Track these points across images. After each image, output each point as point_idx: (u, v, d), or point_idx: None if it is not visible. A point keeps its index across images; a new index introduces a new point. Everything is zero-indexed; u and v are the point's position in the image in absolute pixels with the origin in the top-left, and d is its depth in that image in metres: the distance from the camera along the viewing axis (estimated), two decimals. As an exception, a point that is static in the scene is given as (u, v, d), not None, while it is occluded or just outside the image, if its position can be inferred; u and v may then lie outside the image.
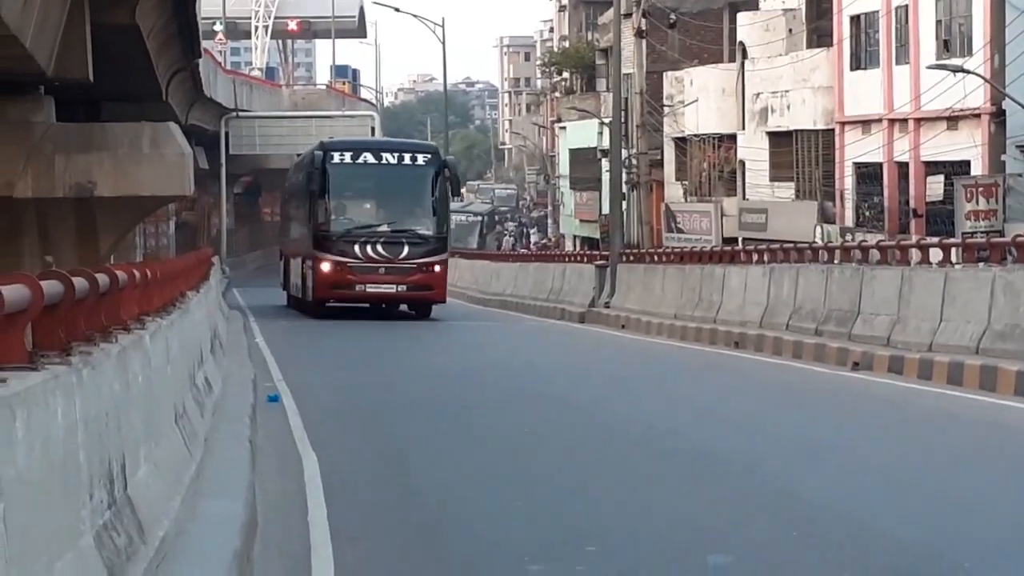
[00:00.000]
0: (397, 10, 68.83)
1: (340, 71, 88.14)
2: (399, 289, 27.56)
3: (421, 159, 28.97)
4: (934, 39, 37.15)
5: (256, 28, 76.46)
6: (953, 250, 21.00)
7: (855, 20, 40.69)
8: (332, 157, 28.35)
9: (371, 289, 27.39)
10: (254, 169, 67.36)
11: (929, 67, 34.45)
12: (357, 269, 27.29)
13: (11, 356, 5.38)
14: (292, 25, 78.40)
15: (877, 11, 39.62)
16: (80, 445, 5.82)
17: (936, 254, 20.97)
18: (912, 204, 36.76)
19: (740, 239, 41.72)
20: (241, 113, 55.66)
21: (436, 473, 11.90)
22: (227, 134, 54.60)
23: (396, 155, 29.05)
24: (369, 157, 28.65)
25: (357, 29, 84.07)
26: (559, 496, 10.32)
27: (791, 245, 28.76)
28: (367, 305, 33.45)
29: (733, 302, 25.39)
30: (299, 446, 13.11)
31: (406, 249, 27.27)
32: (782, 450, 12.78)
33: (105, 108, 24.70)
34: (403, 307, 34.64)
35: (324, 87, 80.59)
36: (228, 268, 48.28)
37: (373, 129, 60.68)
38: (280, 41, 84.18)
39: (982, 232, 30.20)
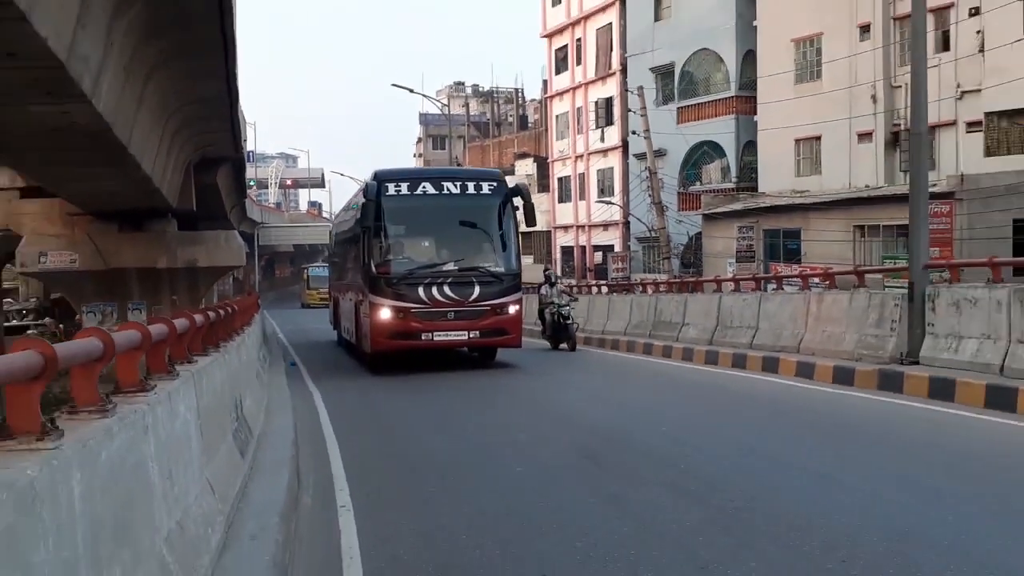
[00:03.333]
0: (342, 174, 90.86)
1: (313, 203, 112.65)
2: (471, 336, 18.14)
3: (486, 187, 18.99)
4: (597, 188, 50.32)
5: (271, 183, 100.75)
6: (611, 287, 30.91)
7: (560, 179, 55.63)
8: (387, 188, 18.39)
9: (439, 337, 17.88)
10: (271, 252, 79.91)
11: (596, 201, 49.04)
12: (422, 316, 17.70)
13: (195, 349, 7.11)
14: (288, 182, 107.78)
15: (570, 175, 53.48)
16: (226, 390, 7.68)
17: (604, 289, 30.44)
18: (588, 265, 49.97)
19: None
20: (264, 224, 67.57)
21: (381, 392, 13.68)
22: (257, 235, 64.45)
23: (458, 184, 19.06)
24: (428, 187, 18.69)
25: (321, 182, 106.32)
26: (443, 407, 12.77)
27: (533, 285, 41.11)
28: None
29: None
30: (310, 387, 16.46)
31: (477, 290, 17.97)
32: (540, 384, 16.10)
33: (201, 223, 27.55)
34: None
35: (305, 212, 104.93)
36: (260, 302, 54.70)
37: (331, 234, 73.89)
38: (283, 189, 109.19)
39: (621, 278, 41.21)
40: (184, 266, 26.63)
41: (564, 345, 22.10)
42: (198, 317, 6.99)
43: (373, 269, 17.78)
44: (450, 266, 18.00)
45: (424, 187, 18.62)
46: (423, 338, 17.59)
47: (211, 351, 7.58)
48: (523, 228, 19.88)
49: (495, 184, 18.97)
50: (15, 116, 12.54)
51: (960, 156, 31.41)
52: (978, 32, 30.62)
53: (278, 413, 11.29)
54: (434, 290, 17.56)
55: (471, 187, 18.78)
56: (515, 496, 7.65)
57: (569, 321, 21.96)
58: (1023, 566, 5.44)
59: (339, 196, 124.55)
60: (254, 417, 9.54)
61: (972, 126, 31.28)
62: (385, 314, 17.52)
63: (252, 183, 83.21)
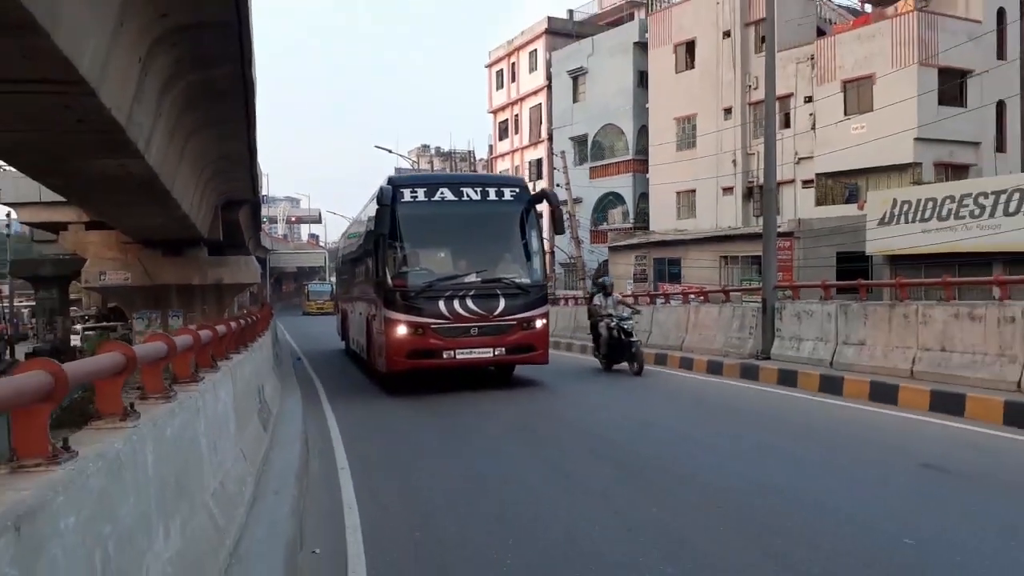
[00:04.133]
0: (335, 213, 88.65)
1: (312, 235, 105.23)
2: (496, 353, 12.97)
3: (508, 193, 13.84)
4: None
5: (279, 219, 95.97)
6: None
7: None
8: (402, 195, 13.38)
9: (462, 355, 12.78)
10: (279, 272, 77.26)
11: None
12: (444, 332, 12.69)
13: (230, 349, 7.11)
14: (293, 218, 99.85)
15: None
16: (252, 380, 7.60)
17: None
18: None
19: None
20: (274, 251, 66.87)
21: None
22: (269, 259, 62.99)
23: (479, 190, 13.84)
24: (447, 194, 13.54)
25: (319, 219, 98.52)
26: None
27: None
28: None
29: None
30: (313, 376, 14.91)
31: (502, 303, 12.92)
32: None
33: (226, 250, 26.61)
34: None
35: (306, 241, 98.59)
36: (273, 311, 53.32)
37: (325, 259, 77.44)
38: (288, 224, 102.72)
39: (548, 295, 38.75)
40: (213, 283, 26.06)
41: (623, 365, 14.77)
42: (232, 324, 6.90)
43: (388, 281, 12.67)
44: (472, 278, 12.77)
45: (442, 193, 13.29)
46: (444, 356, 12.43)
47: (242, 350, 7.46)
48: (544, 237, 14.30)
49: (517, 190, 13.69)
50: (84, 168, 12.31)
51: (797, 205, 32.17)
52: (811, 115, 31.43)
53: (289, 397, 11.12)
54: (456, 304, 12.49)
55: (492, 193, 13.51)
56: (476, 464, 7.61)
57: (633, 339, 14.32)
58: (844, 506, 5.56)
59: (333, 230, 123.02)
60: (272, 400, 9.38)
61: (806, 183, 32.09)
62: (402, 330, 12.44)
63: (265, 219, 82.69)
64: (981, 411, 8.85)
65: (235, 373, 5.94)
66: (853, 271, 23.92)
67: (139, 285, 24.56)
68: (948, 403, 9.28)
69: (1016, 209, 22.40)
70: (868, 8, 36.00)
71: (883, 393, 10.22)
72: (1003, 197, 22.81)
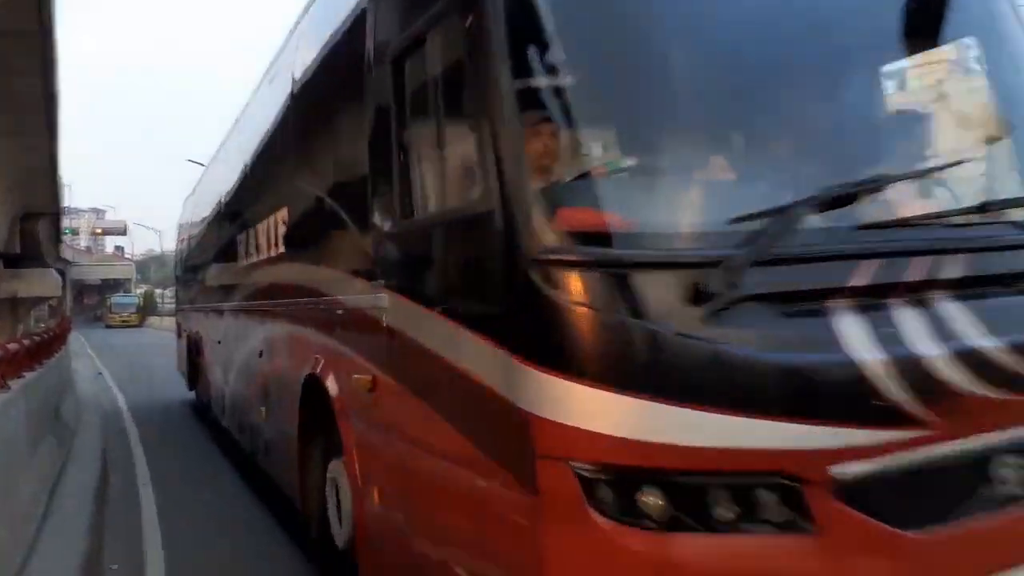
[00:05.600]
0: (146, 226, 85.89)
1: (118, 248, 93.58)
2: None
3: None
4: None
5: (83, 231, 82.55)
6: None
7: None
8: None
9: None
10: (81, 285, 71.62)
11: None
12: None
13: (24, 367, 6.22)
14: (98, 230, 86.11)
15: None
16: (49, 397, 7.09)
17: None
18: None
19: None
20: (76, 264, 59.06)
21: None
22: (70, 271, 55.05)
23: None
24: None
25: (124, 231, 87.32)
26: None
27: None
28: None
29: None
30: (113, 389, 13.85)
31: None
32: None
33: (23, 262, 24.66)
34: None
35: (111, 253, 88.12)
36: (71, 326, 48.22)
37: (132, 271, 74.44)
38: (93, 236, 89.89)
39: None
40: (7, 297, 23.24)
41: None
42: (26, 342, 6.37)
43: (523, 238, 1.82)
44: (960, 213, 2.01)
45: None
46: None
47: (37, 367, 6.86)
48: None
49: None
50: None
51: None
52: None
53: (87, 412, 10.21)
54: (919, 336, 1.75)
55: None
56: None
57: None
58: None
59: (140, 243, 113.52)
60: (70, 415, 8.69)
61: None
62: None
63: (68, 231, 74.93)
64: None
65: (28, 392, 5.50)
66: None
67: (-75, 299, 21.74)
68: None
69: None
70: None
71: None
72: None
